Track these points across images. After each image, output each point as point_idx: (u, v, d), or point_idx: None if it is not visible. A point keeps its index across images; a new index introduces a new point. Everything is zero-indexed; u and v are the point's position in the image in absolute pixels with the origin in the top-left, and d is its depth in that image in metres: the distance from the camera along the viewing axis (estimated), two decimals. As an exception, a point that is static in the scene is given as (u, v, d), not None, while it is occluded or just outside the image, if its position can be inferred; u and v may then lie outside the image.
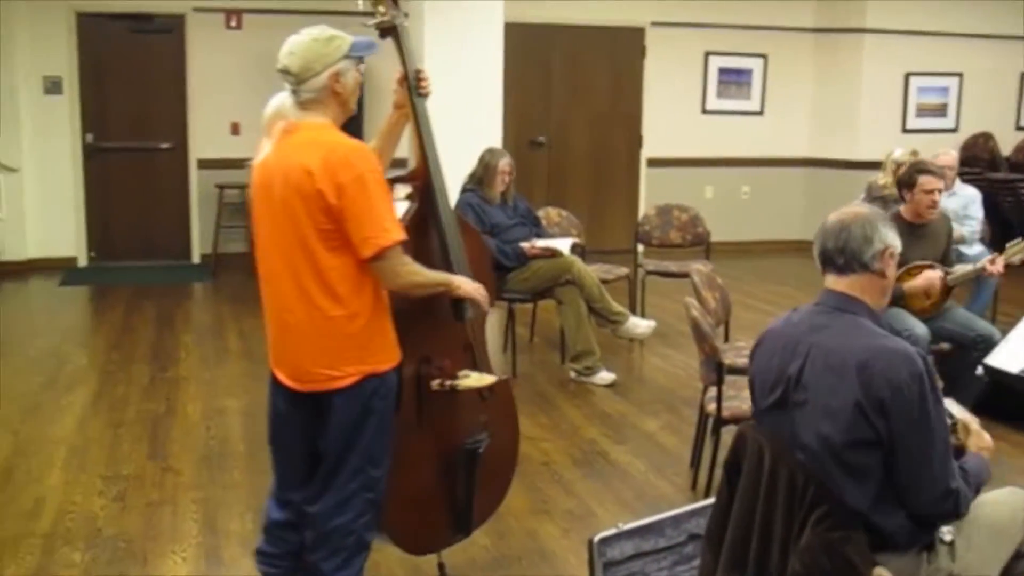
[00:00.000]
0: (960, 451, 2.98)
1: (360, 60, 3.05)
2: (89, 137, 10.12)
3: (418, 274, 3.08)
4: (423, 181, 3.40)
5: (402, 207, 3.37)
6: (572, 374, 6.56)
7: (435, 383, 3.37)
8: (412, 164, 3.48)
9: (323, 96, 2.98)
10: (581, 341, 6.49)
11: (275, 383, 3.18)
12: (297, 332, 3.02)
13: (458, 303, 3.37)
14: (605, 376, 6.48)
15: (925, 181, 5.36)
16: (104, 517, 4.42)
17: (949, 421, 2.95)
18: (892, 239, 2.81)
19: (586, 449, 5.37)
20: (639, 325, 6.76)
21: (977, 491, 2.82)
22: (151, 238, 10.45)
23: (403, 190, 3.42)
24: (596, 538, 3.46)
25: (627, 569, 3.41)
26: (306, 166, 2.87)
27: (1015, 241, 5.57)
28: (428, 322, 3.36)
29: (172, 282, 9.70)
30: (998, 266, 5.51)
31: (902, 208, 5.52)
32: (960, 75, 11.89)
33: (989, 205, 8.65)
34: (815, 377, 2.73)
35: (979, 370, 5.40)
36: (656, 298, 8.07)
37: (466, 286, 3.30)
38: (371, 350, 3.03)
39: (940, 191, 5.46)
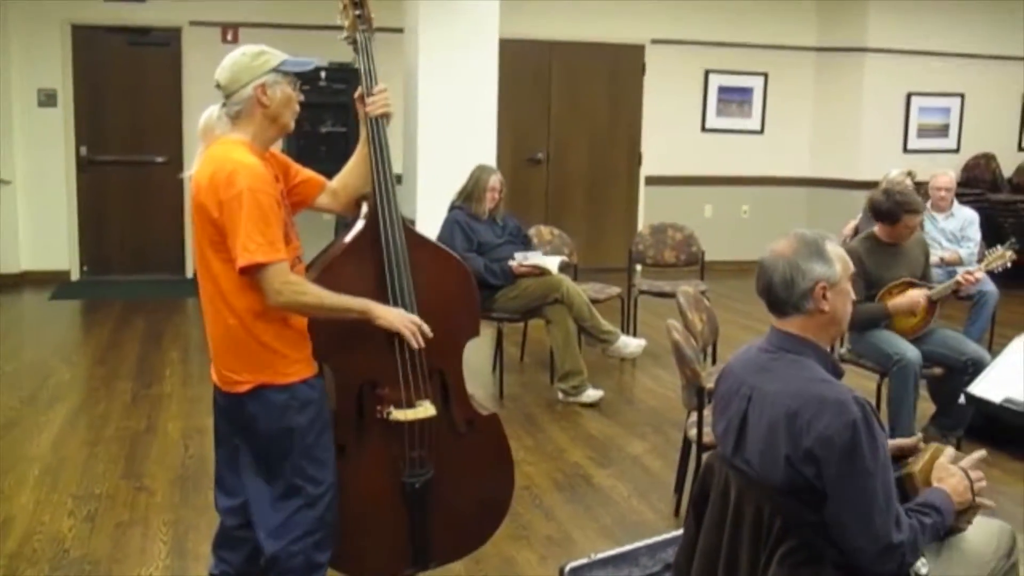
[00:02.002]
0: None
1: (295, 77, 3.07)
2: (83, 150, 10.10)
3: (309, 295, 2.97)
4: (372, 203, 3.33)
5: (361, 226, 3.34)
6: (560, 395, 6.46)
7: (378, 409, 3.30)
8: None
9: (250, 108, 3.01)
10: (569, 360, 6.40)
11: None
12: (210, 333, 3.10)
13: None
14: (592, 394, 6.38)
15: (909, 219, 5.36)
16: (72, 538, 4.33)
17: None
18: (822, 272, 2.60)
19: (569, 472, 5.27)
20: (629, 344, 6.68)
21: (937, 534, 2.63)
22: (144, 253, 10.42)
23: (364, 208, 3.36)
24: (567, 567, 3.38)
25: (598, 599, 3.33)
26: (200, 180, 2.95)
27: (995, 249, 5.64)
28: (368, 347, 3.24)
29: (164, 297, 9.63)
30: (976, 275, 5.56)
31: (877, 229, 5.48)
32: (962, 95, 11.83)
33: (990, 227, 8.59)
34: (755, 421, 2.61)
35: (961, 398, 5.29)
36: (650, 317, 7.99)
37: (389, 316, 3.16)
38: (264, 360, 3.00)
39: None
